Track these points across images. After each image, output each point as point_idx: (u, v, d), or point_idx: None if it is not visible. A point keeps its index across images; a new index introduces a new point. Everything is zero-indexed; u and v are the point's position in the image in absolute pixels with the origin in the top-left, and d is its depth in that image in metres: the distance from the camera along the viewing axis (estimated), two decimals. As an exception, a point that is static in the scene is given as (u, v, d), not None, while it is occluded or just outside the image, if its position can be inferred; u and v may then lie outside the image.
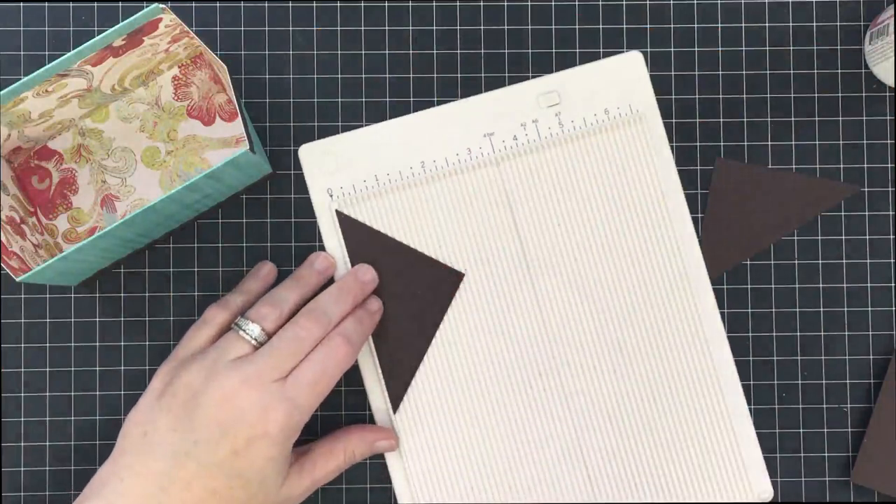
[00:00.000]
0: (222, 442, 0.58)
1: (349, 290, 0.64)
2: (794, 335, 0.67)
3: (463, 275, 0.66)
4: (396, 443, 0.65)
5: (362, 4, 0.68)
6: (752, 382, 0.67)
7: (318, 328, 0.61)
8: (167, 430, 0.59)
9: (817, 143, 0.68)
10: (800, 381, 0.67)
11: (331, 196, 0.67)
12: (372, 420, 0.67)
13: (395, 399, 0.66)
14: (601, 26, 0.68)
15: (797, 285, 0.67)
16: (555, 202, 0.67)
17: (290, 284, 0.64)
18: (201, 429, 0.58)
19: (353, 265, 0.66)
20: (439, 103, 0.67)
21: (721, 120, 0.68)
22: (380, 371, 0.66)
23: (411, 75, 0.68)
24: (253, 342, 0.61)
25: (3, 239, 0.59)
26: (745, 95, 0.68)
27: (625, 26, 0.68)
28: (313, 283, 0.65)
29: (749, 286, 0.67)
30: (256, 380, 0.59)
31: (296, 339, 0.60)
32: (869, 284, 0.67)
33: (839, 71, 0.68)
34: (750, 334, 0.67)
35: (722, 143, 0.68)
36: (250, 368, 0.59)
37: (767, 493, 0.66)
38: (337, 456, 0.64)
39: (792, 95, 0.68)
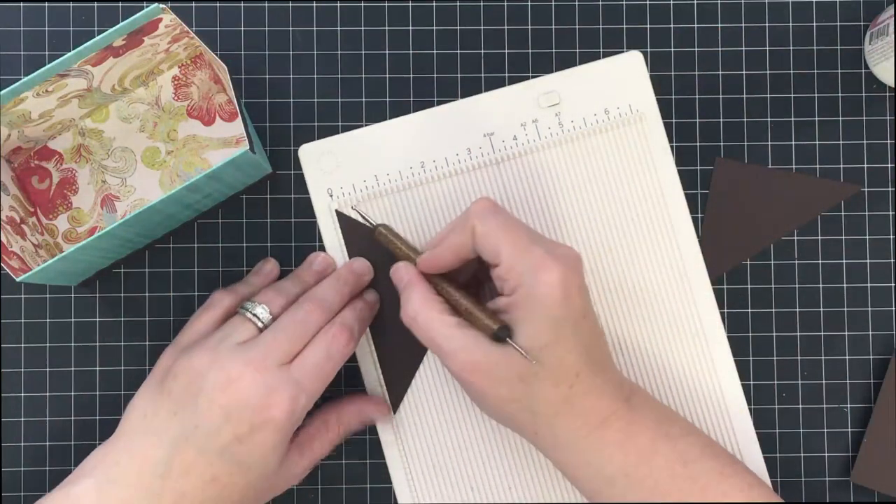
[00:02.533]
0: (224, 427, 0.57)
1: (346, 281, 0.64)
2: (794, 335, 0.67)
3: (463, 275, 0.66)
4: (387, 410, 0.65)
5: (362, 4, 0.68)
6: (752, 382, 0.67)
7: (322, 313, 0.61)
8: (168, 414, 0.58)
9: (817, 143, 0.68)
10: (800, 381, 0.67)
11: (331, 196, 0.67)
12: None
13: (395, 399, 0.66)
14: (601, 26, 0.68)
15: (797, 285, 0.67)
16: (555, 202, 0.67)
17: (290, 281, 0.64)
18: (203, 413, 0.57)
19: (353, 265, 0.66)
20: (439, 103, 0.67)
21: (721, 120, 0.68)
22: (380, 371, 0.66)
23: (411, 75, 0.68)
24: (259, 324, 0.60)
25: (3, 239, 0.59)
26: (745, 95, 0.68)
27: (625, 26, 0.68)
28: (312, 283, 0.65)
29: (749, 286, 0.67)
30: (261, 363, 0.58)
31: (301, 322, 0.60)
32: (869, 284, 0.67)
33: (839, 71, 0.68)
34: (750, 334, 0.67)
35: (722, 143, 0.68)
36: (255, 351, 0.58)
37: (767, 493, 0.66)
38: (332, 430, 0.63)
39: (792, 95, 0.68)
